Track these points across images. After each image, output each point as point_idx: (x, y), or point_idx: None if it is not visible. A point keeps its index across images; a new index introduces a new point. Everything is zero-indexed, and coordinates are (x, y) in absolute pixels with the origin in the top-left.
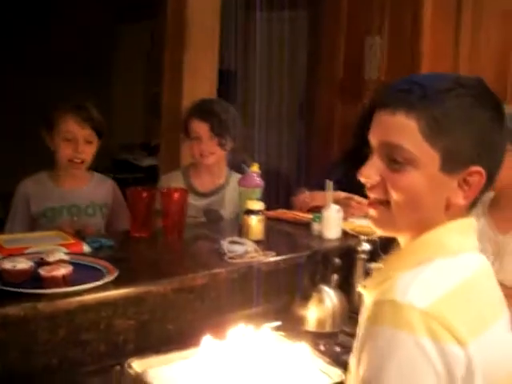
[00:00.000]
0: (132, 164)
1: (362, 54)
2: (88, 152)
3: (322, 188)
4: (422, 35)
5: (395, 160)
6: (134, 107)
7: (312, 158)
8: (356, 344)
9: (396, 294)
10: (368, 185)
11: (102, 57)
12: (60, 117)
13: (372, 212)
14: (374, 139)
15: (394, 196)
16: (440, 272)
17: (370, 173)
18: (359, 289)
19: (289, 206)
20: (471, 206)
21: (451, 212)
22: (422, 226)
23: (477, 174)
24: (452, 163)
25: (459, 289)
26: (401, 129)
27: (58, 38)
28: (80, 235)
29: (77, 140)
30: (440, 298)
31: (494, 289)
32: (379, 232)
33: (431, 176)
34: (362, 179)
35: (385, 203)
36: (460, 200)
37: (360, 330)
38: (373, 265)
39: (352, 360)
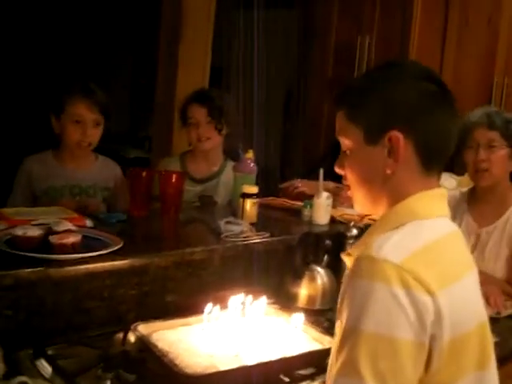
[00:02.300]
0: (118, 155)
1: (351, 52)
2: (95, 135)
3: (310, 178)
4: (410, 36)
5: (342, 147)
6: (119, 98)
7: (299, 153)
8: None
9: (372, 250)
10: (341, 174)
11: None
12: (69, 100)
13: (348, 194)
14: None
15: (348, 178)
16: (411, 232)
17: (338, 165)
18: (342, 256)
19: (276, 195)
20: (430, 167)
21: (405, 179)
22: (385, 198)
23: (394, 138)
24: (371, 133)
25: (429, 247)
26: (338, 122)
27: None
28: (82, 212)
29: (86, 123)
30: (411, 255)
31: (462, 249)
32: (358, 209)
33: (361, 151)
34: (337, 171)
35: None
36: (392, 165)
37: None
38: None
39: (337, 323)
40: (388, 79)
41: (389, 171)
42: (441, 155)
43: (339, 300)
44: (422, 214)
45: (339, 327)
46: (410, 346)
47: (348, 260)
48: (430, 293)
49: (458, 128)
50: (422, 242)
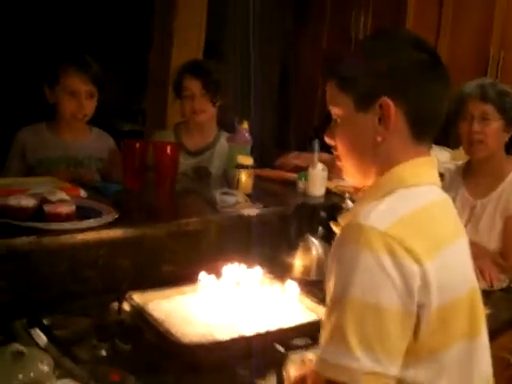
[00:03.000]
0: (112, 128)
1: (346, 27)
2: (90, 106)
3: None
4: (406, 11)
5: (333, 116)
6: (113, 71)
7: (294, 125)
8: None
9: (359, 218)
10: (331, 144)
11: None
12: (64, 72)
13: (338, 164)
14: None
15: (338, 149)
16: (399, 200)
17: (327, 135)
18: (332, 226)
19: (271, 168)
20: (420, 137)
21: (395, 148)
22: (375, 167)
23: (385, 104)
24: (361, 100)
25: (416, 214)
26: (329, 92)
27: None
28: (77, 182)
29: (80, 95)
30: (398, 222)
31: (451, 216)
32: (348, 180)
33: (352, 119)
34: (327, 142)
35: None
36: (383, 131)
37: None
38: None
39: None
40: (379, 48)
41: (379, 138)
42: (431, 124)
43: (327, 267)
44: (409, 181)
45: (328, 295)
46: (397, 313)
47: (338, 229)
48: (417, 259)
49: (449, 97)
50: (409, 208)
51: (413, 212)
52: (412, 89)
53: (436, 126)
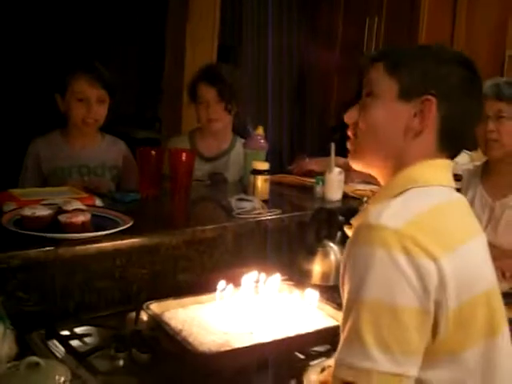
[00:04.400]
0: (128, 136)
1: (359, 33)
2: (101, 112)
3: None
4: (419, 16)
5: (365, 95)
6: (127, 79)
7: (308, 131)
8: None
9: (371, 218)
10: (348, 123)
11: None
12: (72, 77)
13: (348, 146)
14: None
15: (360, 126)
16: (412, 198)
17: (351, 112)
18: (345, 229)
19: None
20: (444, 148)
21: (418, 149)
22: (390, 160)
23: (428, 101)
24: (408, 90)
25: (429, 212)
26: (371, 73)
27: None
28: (92, 192)
29: (89, 100)
30: (411, 220)
31: (466, 215)
32: (355, 167)
33: (390, 104)
34: (346, 119)
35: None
36: (416, 126)
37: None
38: None
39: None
40: (436, 54)
41: (411, 131)
42: (458, 139)
43: (341, 270)
44: (422, 181)
45: (344, 298)
46: (413, 313)
47: (350, 232)
48: (432, 258)
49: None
50: (423, 207)
51: (426, 210)
52: (453, 100)
53: (462, 144)
